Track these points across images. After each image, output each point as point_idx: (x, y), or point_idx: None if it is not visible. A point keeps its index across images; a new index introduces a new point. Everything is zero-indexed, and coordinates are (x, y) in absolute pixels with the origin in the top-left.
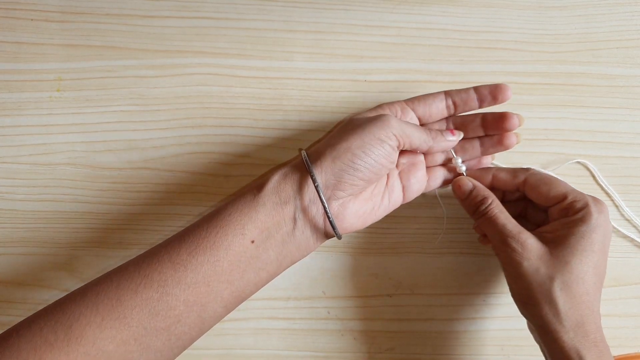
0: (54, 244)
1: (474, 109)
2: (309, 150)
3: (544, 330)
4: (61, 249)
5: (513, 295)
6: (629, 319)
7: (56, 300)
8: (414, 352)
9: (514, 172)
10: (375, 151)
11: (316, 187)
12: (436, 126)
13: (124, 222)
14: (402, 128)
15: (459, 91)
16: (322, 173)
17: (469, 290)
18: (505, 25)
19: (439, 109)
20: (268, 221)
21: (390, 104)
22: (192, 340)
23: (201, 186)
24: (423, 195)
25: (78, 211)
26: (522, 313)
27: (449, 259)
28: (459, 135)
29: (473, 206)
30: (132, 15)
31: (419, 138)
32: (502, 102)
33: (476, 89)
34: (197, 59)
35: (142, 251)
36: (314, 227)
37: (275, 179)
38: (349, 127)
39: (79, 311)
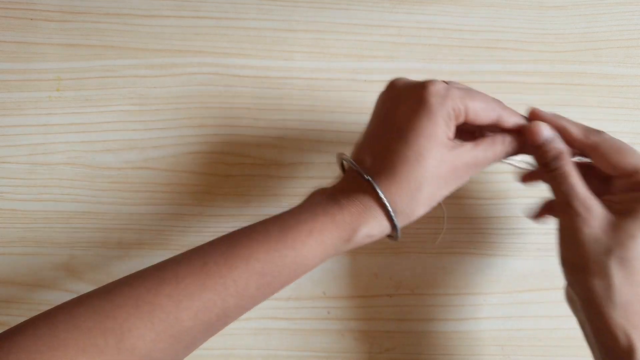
0: (53, 244)
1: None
2: (357, 161)
3: (591, 303)
4: (60, 248)
5: (562, 261)
6: None
7: (96, 295)
8: (414, 352)
9: (587, 131)
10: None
11: (394, 229)
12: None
13: (123, 222)
14: (482, 165)
15: (510, 116)
16: (397, 205)
17: (469, 290)
18: (505, 24)
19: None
20: (335, 245)
21: (447, 95)
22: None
23: (201, 186)
24: None
25: (77, 211)
26: (569, 280)
27: (449, 259)
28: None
29: (545, 157)
30: (131, 15)
31: (495, 155)
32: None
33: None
34: (197, 58)
35: (141, 252)
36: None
37: (359, 237)
38: (431, 166)
39: (132, 321)
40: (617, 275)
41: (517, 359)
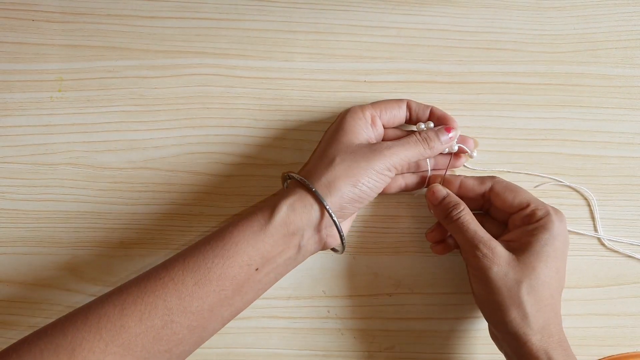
0: (55, 244)
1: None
2: (304, 173)
3: (512, 335)
4: (62, 248)
5: (479, 303)
6: (627, 319)
7: (56, 320)
8: (413, 351)
9: (481, 179)
10: (376, 183)
11: (335, 223)
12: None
13: (124, 222)
14: (399, 157)
15: (418, 105)
16: (331, 205)
17: (468, 289)
18: (504, 25)
19: (400, 117)
20: (274, 251)
21: (362, 109)
22: (190, 353)
23: (202, 186)
24: (423, 195)
25: (79, 211)
26: (489, 319)
27: (448, 259)
28: (456, 132)
29: (445, 212)
30: (133, 16)
31: (416, 155)
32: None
33: (432, 110)
34: (198, 59)
35: (142, 251)
36: (316, 249)
37: (283, 210)
38: (342, 151)
39: (81, 336)
40: (529, 303)
41: None
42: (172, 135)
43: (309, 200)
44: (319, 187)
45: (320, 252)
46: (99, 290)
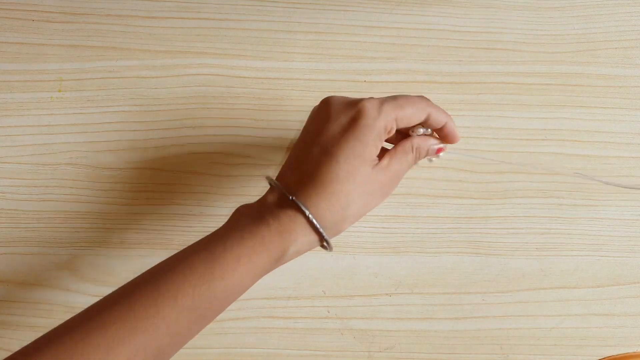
0: (55, 244)
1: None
2: (282, 179)
3: None
4: (62, 248)
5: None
6: (627, 319)
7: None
8: (413, 351)
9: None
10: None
11: (326, 242)
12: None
13: (125, 222)
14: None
15: (437, 118)
16: (320, 218)
17: (468, 290)
18: (504, 26)
19: (412, 124)
20: (265, 267)
21: (380, 115)
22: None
23: (201, 186)
24: (423, 195)
25: (79, 211)
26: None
27: (448, 259)
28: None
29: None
30: (133, 16)
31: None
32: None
33: (447, 124)
34: (198, 59)
35: (142, 251)
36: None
37: (290, 253)
38: (359, 184)
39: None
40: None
41: (516, 358)
42: (172, 135)
43: (314, 237)
44: (328, 229)
45: (320, 251)
46: (99, 290)
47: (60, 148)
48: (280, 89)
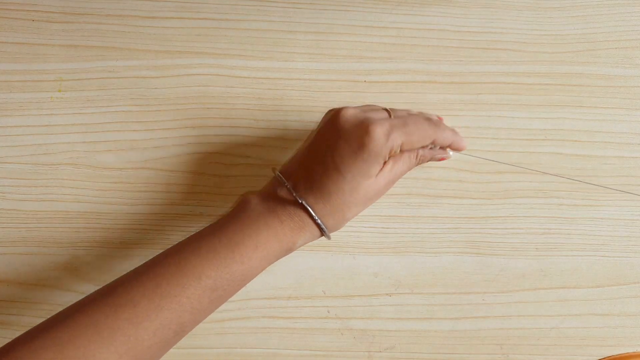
0: (55, 244)
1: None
2: (291, 178)
3: None
4: (62, 248)
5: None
6: (627, 319)
7: (52, 325)
8: (413, 351)
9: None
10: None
11: (324, 233)
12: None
13: (124, 222)
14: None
15: (443, 141)
16: (324, 217)
17: (468, 290)
18: (504, 26)
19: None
20: (277, 256)
21: (388, 140)
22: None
23: (202, 186)
24: (423, 195)
25: (79, 211)
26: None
27: (448, 259)
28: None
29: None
30: (133, 16)
31: (407, 170)
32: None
33: (456, 141)
34: (198, 59)
35: (142, 251)
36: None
37: (298, 244)
38: (362, 195)
39: (93, 347)
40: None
41: (516, 358)
42: (172, 135)
43: (318, 233)
44: (330, 229)
45: (320, 251)
46: None
47: (60, 148)
48: (280, 89)
